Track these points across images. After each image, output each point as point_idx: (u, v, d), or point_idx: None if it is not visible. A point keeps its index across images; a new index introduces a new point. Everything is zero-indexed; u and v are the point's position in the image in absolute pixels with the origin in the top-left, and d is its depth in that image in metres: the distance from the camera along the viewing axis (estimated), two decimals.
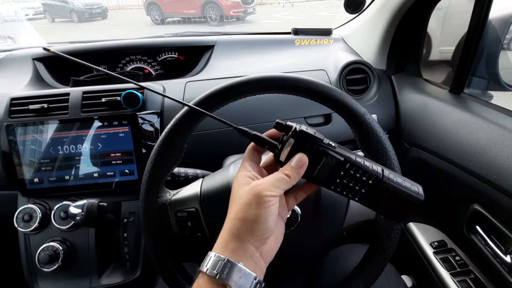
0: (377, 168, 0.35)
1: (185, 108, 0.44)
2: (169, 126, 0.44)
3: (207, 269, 0.31)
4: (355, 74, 0.83)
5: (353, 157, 0.35)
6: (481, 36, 0.64)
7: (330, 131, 0.78)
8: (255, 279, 0.32)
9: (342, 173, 0.35)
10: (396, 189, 0.35)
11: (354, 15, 0.97)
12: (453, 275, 0.66)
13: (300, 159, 0.35)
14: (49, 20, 8.86)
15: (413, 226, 0.80)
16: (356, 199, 0.36)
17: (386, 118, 0.83)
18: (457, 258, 0.68)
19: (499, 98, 0.76)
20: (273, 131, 0.39)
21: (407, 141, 0.80)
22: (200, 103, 0.43)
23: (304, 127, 0.36)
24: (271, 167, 0.39)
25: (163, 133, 0.44)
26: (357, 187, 0.35)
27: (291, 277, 0.49)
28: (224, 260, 0.31)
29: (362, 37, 0.94)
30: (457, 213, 0.67)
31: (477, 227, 0.62)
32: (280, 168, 0.35)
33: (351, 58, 0.84)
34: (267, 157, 0.41)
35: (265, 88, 0.44)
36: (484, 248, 0.60)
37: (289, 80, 0.44)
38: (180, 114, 0.44)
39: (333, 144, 0.35)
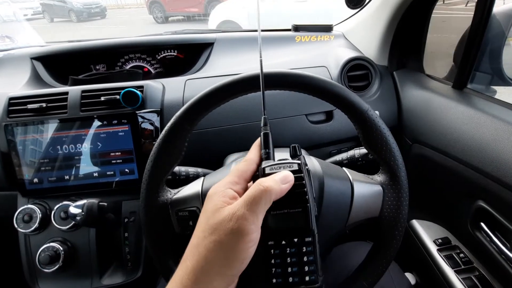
0: (321, 276, 0.31)
1: (185, 105, 0.44)
2: (169, 124, 0.44)
3: None
4: (356, 71, 0.82)
5: (317, 242, 0.31)
6: (484, 31, 0.63)
7: (332, 128, 0.78)
8: None
9: (296, 240, 0.30)
10: None
11: (355, 11, 0.96)
12: (457, 272, 0.65)
13: (287, 175, 0.30)
14: (48, 20, 8.85)
15: (416, 223, 0.79)
16: (274, 281, 0.29)
17: (388, 115, 0.82)
18: (462, 255, 0.68)
19: (502, 93, 0.75)
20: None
21: (410, 138, 0.79)
22: (200, 100, 0.43)
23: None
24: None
25: (163, 132, 0.43)
26: (289, 269, 0.29)
27: None
28: None
29: (363, 33, 0.93)
30: (461, 210, 0.66)
31: (482, 223, 0.61)
32: (259, 180, 0.29)
33: (352, 54, 0.83)
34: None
35: (268, 84, 0.44)
36: (489, 245, 0.59)
37: (291, 76, 0.43)
38: (180, 111, 0.44)
39: (314, 210, 0.31)
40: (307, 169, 0.33)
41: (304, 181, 0.31)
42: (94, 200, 0.62)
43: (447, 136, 0.66)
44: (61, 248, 0.66)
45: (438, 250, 0.71)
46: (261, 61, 0.38)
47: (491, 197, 0.58)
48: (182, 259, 0.28)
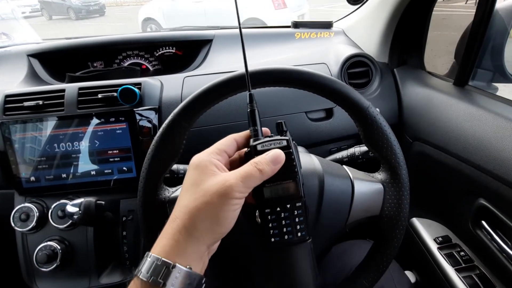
0: (308, 231, 0.35)
1: (183, 102, 0.43)
2: (166, 121, 0.43)
3: (150, 277, 0.27)
4: (356, 68, 0.81)
5: (305, 204, 0.35)
6: (486, 27, 0.62)
7: (332, 126, 0.77)
8: (203, 280, 0.30)
9: (288, 205, 0.34)
10: (309, 261, 0.35)
11: (356, 7, 0.95)
12: (458, 270, 0.65)
13: (278, 155, 0.32)
14: (46, 17, 8.79)
15: (417, 222, 0.79)
16: (273, 239, 0.34)
17: (388, 112, 0.81)
18: (462, 253, 0.67)
19: (502, 91, 0.74)
20: (241, 136, 0.38)
21: (410, 135, 0.79)
22: (198, 97, 0.42)
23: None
24: (234, 163, 0.36)
25: (161, 129, 0.43)
26: (285, 229, 0.34)
27: None
28: (172, 266, 0.27)
29: (363, 30, 0.93)
30: (462, 208, 0.66)
31: (483, 222, 0.61)
32: (252, 160, 0.32)
33: (352, 51, 0.82)
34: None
35: (266, 81, 0.43)
36: (490, 243, 0.59)
37: (292, 72, 0.42)
38: (178, 109, 0.43)
39: (302, 179, 0.35)
40: (294, 143, 0.36)
41: (293, 156, 0.34)
42: (91, 199, 0.62)
43: (448, 134, 0.65)
44: (59, 247, 0.66)
45: (438, 248, 0.70)
46: (245, 57, 0.40)
47: (492, 195, 0.57)
48: (170, 219, 0.31)
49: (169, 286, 0.27)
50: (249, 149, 0.35)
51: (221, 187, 0.29)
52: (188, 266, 0.28)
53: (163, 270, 0.27)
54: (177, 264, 0.28)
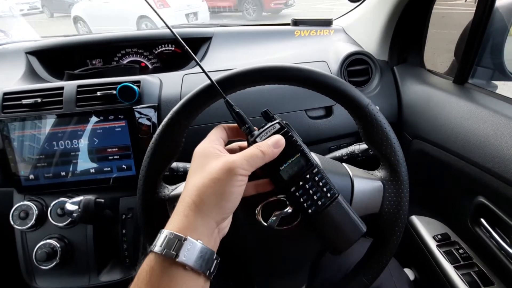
0: (335, 188, 0.37)
1: (182, 100, 0.43)
2: (166, 119, 0.43)
3: (164, 249, 0.29)
4: (356, 65, 0.81)
5: (321, 166, 0.37)
6: (487, 25, 0.62)
7: (331, 124, 0.77)
8: (214, 255, 0.31)
9: (308, 176, 0.36)
10: (347, 211, 0.37)
11: (356, 5, 0.95)
12: (456, 268, 0.65)
13: (278, 139, 0.35)
14: (48, 15, 8.63)
15: (416, 219, 0.79)
16: (310, 211, 0.36)
17: (388, 110, 0.81)
18: (461, 251, 0.67)
19: (501, 89, 0.74)
20: (230, 126, 0.40)
21: (410, 133, 0.79)
22: (198, 95, 0.42)
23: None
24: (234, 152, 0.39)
25: (160, 127, 0.43)
26: (315, 196, 0.36)
27: (294, 272, 0.48)
28: (183, 239, 0.29)
29: (363, 28, 0.92)
30: (461, 205, 0.66)
31: (482, 219, 0.61)
32: (255, 144, 0.35)
33: (352, 48, 0.82)
34: (230, 145, 0.41)
35: (266, 78, 0.43)
36: (489, 240, 0.59)
37: (291, 70, 0.42)
38: (177, 106, 0.43)
39: (307, 148, 0.37)
40: (285, 123, 0.37)
41: (290, 133, 0.36)
42: (91, 197, 0.61)
43: (447, 132, 0.65)
44: (58, 245, 0.66)
45: (437, 246, 0.70)
46: (196, 59, 0.41)
47: (491, 192, 0.57)
48: (180, 199, 0.32)
49: (182, 257, 0.28)
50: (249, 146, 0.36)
51: (225, 164, 0.32)
52: (198, 240, 0.30)
53: (175, 243, 0.29)
54: (188, 237, 0.29)
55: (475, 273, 0.63)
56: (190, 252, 0.29)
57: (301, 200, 0.36)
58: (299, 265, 0.49)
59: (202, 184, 0.31)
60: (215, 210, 0.31)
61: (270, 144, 0.34)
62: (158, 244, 0.29)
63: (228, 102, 0.38)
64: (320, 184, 0.36)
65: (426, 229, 0.75)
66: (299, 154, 0.36)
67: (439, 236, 0.72)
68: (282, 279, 0.48)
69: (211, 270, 0.31)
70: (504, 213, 0.55)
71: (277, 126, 0.37)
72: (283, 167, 0.36)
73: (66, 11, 8.45)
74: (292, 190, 0.36)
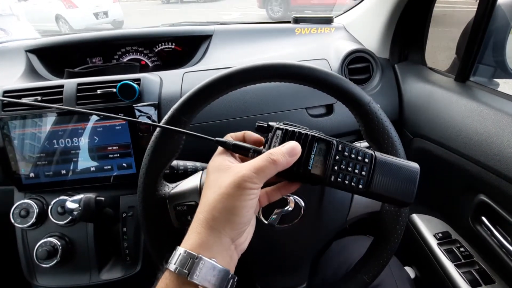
0: (365, 148, 0.35)
1: (183, 98, 0.42)
2: (166, 117, 0.43)
3: (176, 268, 0.28)
4: (357, 63, 0.81)
5: (338, 139, 0.35)
6: (488, 22, 0.62)
7: (332, 122, 0.77)
8: (229, 275, 0.30)
9: (337, 156, 0.34)
10: (393, 163, 0.35)
11: (356, 2, 0.95)
12: (457, 266, 0.65)
13: (293, 146, 0.33)
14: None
15: (416, 218, 0.79)
16: (360, 186, 0.34)
17: (389, 108, 0.81)
18: (462, 249, 0.67)
19: (502, 87, 0.74)
20: (252, 135, 0.38)
21: (411, 131, 0.78)
22: (198, 92, 0.42)
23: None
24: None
25: (161, 124, 0.42)
26: (356, 170, 0.34)
27: (294, 270, 0.48)
28: (196, 257, 0.28)
29: (364, 25, 0.92)
30: (462, 204, 0.66)
31: (483, 217, 0.61)
32: (267, 152, 0.32)
33: (353, 46, 0.81)
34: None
35: (267, 76, 0.43)
36: (490, 239, 0.59)
37: (292, 67, 0.42)
38: (177, 104, 0.43)
39: (317, 131, 0.35)
40: (283, 123, 0.36)
41: (296, 130, 0.35)
42: (91, 195, 0.61)
43: (448, 130, 0.65)
44: (59, 243, 0.66)
45: (438, 244, 0.70)
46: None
47: (492, 191, 0.57)
48: (195, 215, 0.32)
49: (194, 276, 0.28)
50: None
51: (234, 178, 0.30)
52: (212, 259, 0.29)
53: (188, 261, 0.29)
54: (201, 256, 0.29)
55: (476, 271, 0.63)
56: (203, 271, 0.28)
57: (346, 182, 0.34)
58: (300, 262, 0.49)
59: (212, 199, 0.31)
60: (228, 226, 0.30)
61: (285, 152, 0.32)
62: (173, 262, 0.29)
63: (219, 142, 0.36)
64: (352, 155, 0.34)
65: (427, 227, 0.75)
66: (316, 143, 0.34)
67: (440, 234, 0.72)
68: (283, 277, 0.48)
69: None
70: (505, 211, 0.55)
71: (279, 132, 0.35)
72: (311, 165, 0.34)
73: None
74: (332, 179, 0.34)
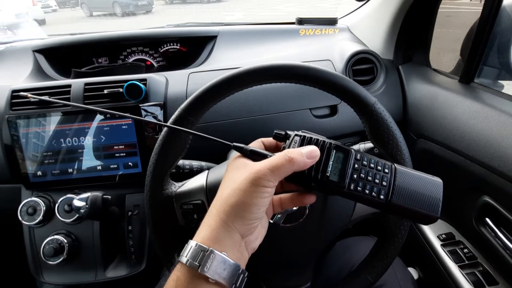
0: (383, 159, 0.34)
1: (190, 98, 0.43)
2: (173, 117, 0.43)
3: (188, 260, 0.29)
4: (361, 64, 0.81)
5: (356, 148, 0.35)
6: (493, 24, 0.62)
7: (336, 122, 0.77)
8: (240, 269, 0.30)
9: (356, 165, 0.33)
10: (414, 175, 0.33)
11: (361, 3, 0.95)
12: (461, 267, 0.65)
13: (312, 150, 0.33)
14: (86, 14, 7.87)
15: None
16: (382, 197, 0.32)
17: (393, 109, 0.81)
18: (465, 250, 0.67)
19: (507, 89, 0.74)
20: (269, 140, 0.38)
21: (415, 133, 0.78)
22: (205, 92, 0.42)
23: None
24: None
25: (168, 124, 0.43)
26: (376, 180, 0.33)
27: (299, 269, 0.49)
28: (207, 250, 0.29)
29: (368, 26, 0.92)
30: (466, 205, 0.66)
31: (487, 219, 0.61)
32: (284, 150, 0.32)
33: (357, 47, 0.82)
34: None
35: (274, 76, 0.43)
36: (494, 240, 0.59)
37: (299, 68, 0.42)
38: (184, 104, 0.43)
39: (335, 140, 0.35)
40: (301, 131, 0.36)
41: (314, 137, 0.35)
42: (98, 193, 0.62)
43: (453, 131, 0.65)
44: (65, 241, 0.67)
45: (442, 245, 0.70)
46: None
47: (497, 192, 0.57)
48: (208, 209, 0.32)
49: (204, 269, 0.28)
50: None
51: (249, 174, 0.31)
52: (223, 252, 0.29)
53: (199, 254, 0.29)
54: (211, 249, 0.29)
55: (480, 272, 0.63)
56: (214, 264, 0.28)
57: (366, 191, 0.32)
58: (304, 262, 0.49)
59: (226, 194, 0.31)
60: (238, 221, 0.30)
61: (304, 153, 0.32)
62: (184, 255, 0.30)
63: (236, 147, 0.36)
64: (372, 165, 0.33)
65: (431, 228, 0.75)
66: (334, 150, 0.34)
67: (443, 236, 0.72)
68: (288, 276, 0.49)
69: (237, 285, 0.30)
70: (509, 213, 0.55)
71: (297, 139, 0.35)
72: (329, 172, 0.33)
73: (108, 9, 7.33)
74: (351, 187, 0.32)
